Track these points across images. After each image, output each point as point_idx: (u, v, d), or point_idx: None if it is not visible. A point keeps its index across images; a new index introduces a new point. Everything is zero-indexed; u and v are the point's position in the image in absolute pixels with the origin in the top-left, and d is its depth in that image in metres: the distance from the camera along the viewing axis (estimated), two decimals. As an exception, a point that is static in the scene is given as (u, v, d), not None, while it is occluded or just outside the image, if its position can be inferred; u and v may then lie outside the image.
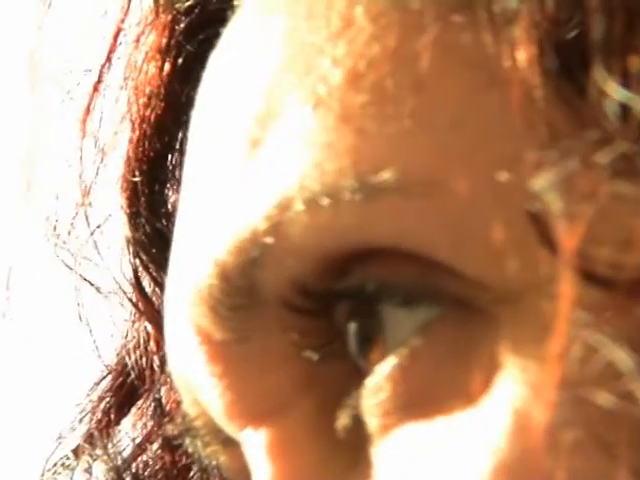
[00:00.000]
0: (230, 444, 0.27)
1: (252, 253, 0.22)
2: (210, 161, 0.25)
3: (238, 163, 0.23)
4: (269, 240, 0.22)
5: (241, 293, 0.23)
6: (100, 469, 0.36)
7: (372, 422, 0.22)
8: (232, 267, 0.22)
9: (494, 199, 0.20)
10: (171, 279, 0.27)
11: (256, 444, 0.24)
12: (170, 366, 0.28)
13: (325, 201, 0.21)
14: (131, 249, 0.35)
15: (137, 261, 0.35)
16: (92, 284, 0.39)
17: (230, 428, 0.25)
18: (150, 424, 0.36)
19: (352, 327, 0.23)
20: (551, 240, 0.18)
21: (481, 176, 0.20)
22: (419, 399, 0.21)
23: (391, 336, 0.22)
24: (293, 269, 0.22)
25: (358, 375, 0.23)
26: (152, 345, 0.35)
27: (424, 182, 0.20)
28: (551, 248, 0.18)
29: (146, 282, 0.35)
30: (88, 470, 0.35)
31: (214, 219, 0.24)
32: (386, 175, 0.20)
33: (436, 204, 0.20)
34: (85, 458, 0.36)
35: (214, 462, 0.30)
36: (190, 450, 0.30)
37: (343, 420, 0.22)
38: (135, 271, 0.35)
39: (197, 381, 0.25)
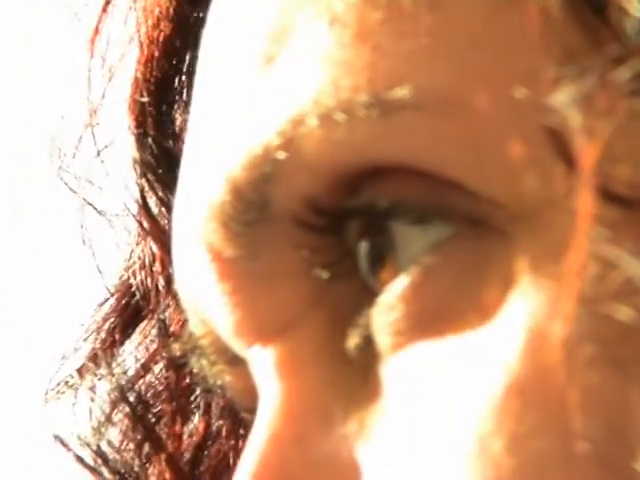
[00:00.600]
0: (236, 363, 0.27)
1: (264, 169, 0.22)
2: (221, 79, 0.25)
3: (251, 80, 0.23)
4: (282, 155, 0.21)
5: (253, 209, 0.22)
6: (104, 389, 0.36)
7: (383, 340, 0.22)
8: (244, 183, 0.22)
9: (512, 116, 0.19)
10: (180, 198, 0.26)
11: (264, 361, 0.24)
12: (177, 286, 0.28)
13: (340, 117, 0.20)
14: (138, 169, 0.34)
15: (144, 181, 0.34)
16: (96, 207, 0.39)
17: (238, 346, 0.25)
18: (154, 345, 0.36)
19: (363, 245, 0.22)
20: (569, 156, 0.18)
21: (499, 93, 0.19)
22: (431, 317, 0.21)
23: (403, 254, 0.22)
24: (305, 185, 0.22)
25: (369, 294, 0.22)
26: (157, 266, 0.35)
27: (440, 99, 0.20)
28: (569, 164, 0.18)
29: (152, 203, 0.34)
30: (92, 389, 0.35)
31: (226, 136, 0.23)
32: (402, 91, 0.20)
33: (452, 121, 0.20)
34: (89, 377, 0.36)
35: (218, 382, 0.30)
36: (195, 370, 0.30)
37: (353, 338, 0.22)
38: (142, 191, 0.35)
39: (205, 299, 0.25)
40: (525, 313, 0.19)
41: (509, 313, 0.20)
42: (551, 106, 0.18)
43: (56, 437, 0.36)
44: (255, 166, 0.22)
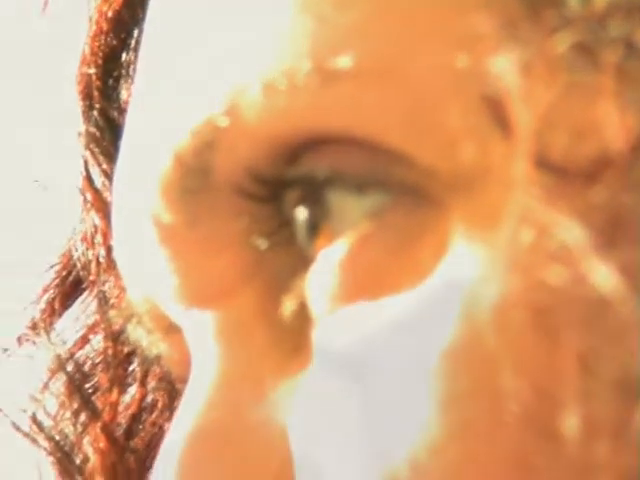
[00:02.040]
0: (172, 332, 0.26)
1: (207, 136, 0.22)
2: (166, 51, 0.25)
3: (195, 51, 0.23)
4: (224, 123, 0.21)
5: (194, 176, 0.22)
6: (42, 358, 0.35)
7: (317, 306, 0.22)
8: (187, 150, 0.22)
9: (450, 83, 0.19)
10: (122, 167, 0.26)
11: (201, 327, 0.24)
12: (116, 255, 0.28)
13: (282, 84, 0.20)
14: (83, 141, 0.34)
15: (88, 153, 0.34)
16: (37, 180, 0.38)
17: (175, 312, 0.25)
18: (93, 317, 0.35)
19: (301, 213, 0.22)
20: (506, 123, 0.18)
21: (437, 60, 0.19)
22: (366, 284, 0.21)
23: (340, 222, 0.22)
24: (246, 153, 0.22)
25: (305, 262, 0.22)
26: (99, 238, 0.34)
27: (380, 68, 0.20)
28: (506, 132, 0.18)
29: (96, 175, 0.34)
30: (30, 357, 0.35)
31: (169, 106, 0.23)
32: (343, 61, 0.20)
33: (391, 90, 0.20)
34: (28, 346, 0.35)
35: (155, 352, 0.29)
36: (132, 340, 0.30)
37: (288, 305, 0.22)
38: (85, 163, 0.34)
39: (145, 266, 0.25)
40: (459, 279, 0.19)
41: (443, 279, 0.20)
42: (490, 73, 0.18)
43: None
44: (198, 133, 0.22)
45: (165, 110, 0.24)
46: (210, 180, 0.22)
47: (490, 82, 0.18)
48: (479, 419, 0.19)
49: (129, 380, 0.35)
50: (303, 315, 0.22)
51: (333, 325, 0.21)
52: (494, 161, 0.19)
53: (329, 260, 0.21)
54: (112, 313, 0.33)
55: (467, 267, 0.19)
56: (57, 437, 0.35)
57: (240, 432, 0.22)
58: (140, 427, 0.35)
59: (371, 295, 0.21)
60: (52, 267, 0.36)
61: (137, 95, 0.27)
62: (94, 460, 0.34)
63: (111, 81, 0.35)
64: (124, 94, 0.35)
